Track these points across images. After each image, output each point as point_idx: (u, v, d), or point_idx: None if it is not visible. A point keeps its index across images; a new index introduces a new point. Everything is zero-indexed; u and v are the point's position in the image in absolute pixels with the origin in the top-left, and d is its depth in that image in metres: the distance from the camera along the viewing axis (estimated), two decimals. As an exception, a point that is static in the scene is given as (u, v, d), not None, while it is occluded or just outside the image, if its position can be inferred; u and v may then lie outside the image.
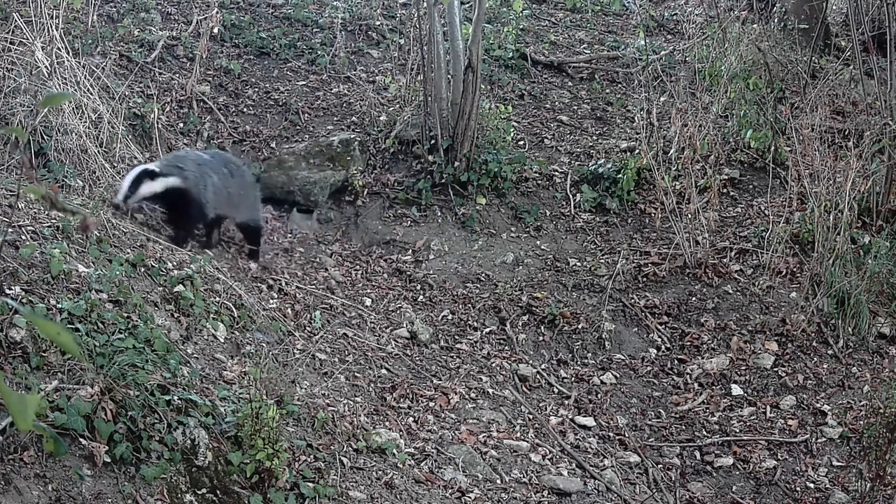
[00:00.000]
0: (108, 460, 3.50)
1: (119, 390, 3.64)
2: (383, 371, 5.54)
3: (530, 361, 6.12)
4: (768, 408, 5.88)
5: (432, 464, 4.76)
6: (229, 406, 4.12)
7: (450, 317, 6.42)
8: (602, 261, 7.16)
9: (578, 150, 8.38)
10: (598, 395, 5.96)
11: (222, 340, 4.91)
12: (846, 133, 7.77)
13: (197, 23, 8.55)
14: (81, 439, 3.49)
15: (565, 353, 6.34)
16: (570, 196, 7.77)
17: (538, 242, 7.33)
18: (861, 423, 5.44)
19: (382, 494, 4.25)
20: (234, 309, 5.22)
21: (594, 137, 8.61)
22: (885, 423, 4.81)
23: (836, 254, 6.41)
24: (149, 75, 7.79)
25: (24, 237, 4.43)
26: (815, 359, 6.22)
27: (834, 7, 10.95)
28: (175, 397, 3.86)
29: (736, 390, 6.03)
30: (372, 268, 6.88)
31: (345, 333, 5.76)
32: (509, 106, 8.51)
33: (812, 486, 5.29)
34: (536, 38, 10.37)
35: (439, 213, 7.42)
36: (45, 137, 6.03)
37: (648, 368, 6.25)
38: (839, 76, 8.65)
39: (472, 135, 7.51)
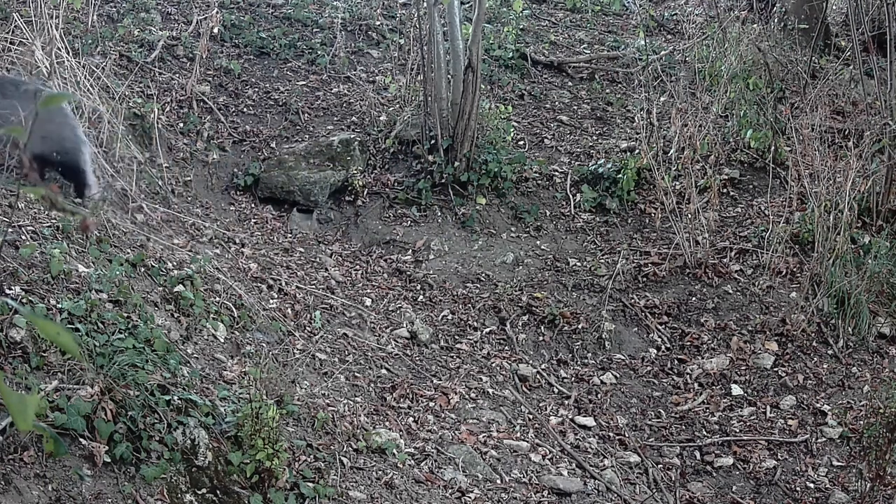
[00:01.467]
0: (108, 460, 3.50)
1: (119, 390, 3.64)
2: (383, 371, 5.54)
3: (530, 361, 6.12)
4: (768, 408, 5.88)
5: (432, 464, 4.76)
6: (229, 406, 4.12)
7: (450, 317, 6.42)
8: (602, 261, 7.16)
9: (578, 150, 8.38)
10: (598, 395, 5.96)
11: (222, 340, 4.91)
12: (846, 133, 7.77)
13: (197, 23, 8.55)
14: (81, 439, 3.49)
15: (565, 353, 6.34)
16: (570, 196, 7.77)
17: (538, 242, 7.33)
18: (861, 423, 5.44)
19: (382, 494, 4.25)
20: (234, 309, 5.22)
21: (594, 137, 8.61)
22: (885, 423, 4.81)
23: (836, 254, 6.41)
24: (149, 75, 7.79)
25: (24, 237, 4.43)
26: (815, 359, 6.22)
27: (834, 7, 10.94)
28: (175, 397, 3.86)
29: (736, 390, 6.02)
30: (372, 268, 6.88)
31: (345, 333, 5.76)
32: (509, 106, 8.51)
33: (812, 486, 5.29)
34: (536, 38, 10.36)
35: (439, 213, 7.42)
36: (45, 137, 6.02)
37: (648, 368, 6.25)
38: (839, 76, 8.65)
39: (472, 135, 7.51)
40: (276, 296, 5.89)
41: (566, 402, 5.82)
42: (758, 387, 6.05)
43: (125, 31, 8.13)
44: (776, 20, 10.01)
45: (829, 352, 6.26)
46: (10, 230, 4.33)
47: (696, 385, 6.10)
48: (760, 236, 7.15)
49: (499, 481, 4.84)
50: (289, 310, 5.75)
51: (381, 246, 7.18)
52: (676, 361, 6.30)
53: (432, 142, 7.60)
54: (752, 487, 5.30)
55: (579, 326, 6.47)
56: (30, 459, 3.33)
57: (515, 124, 8.47)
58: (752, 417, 5.82)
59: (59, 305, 4.01)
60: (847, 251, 6.45)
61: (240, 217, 7.07)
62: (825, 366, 6.16)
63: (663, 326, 6.56)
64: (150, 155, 6.88)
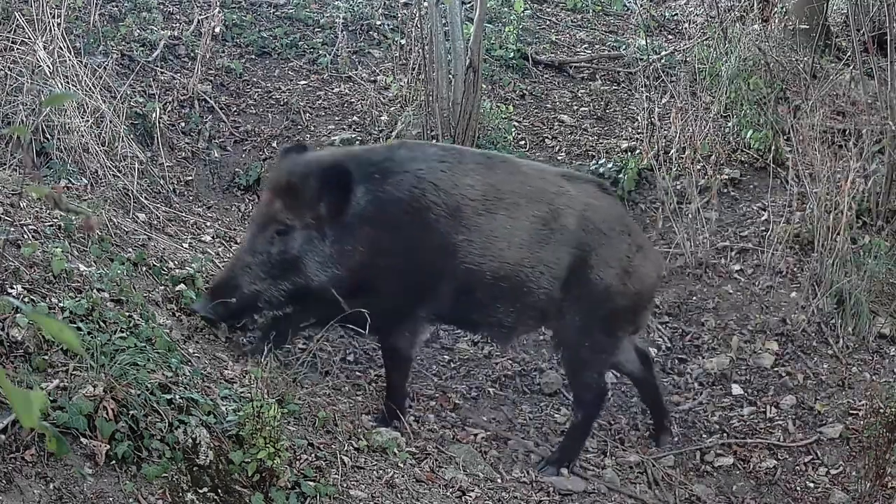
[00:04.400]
0: (110, 459, 3.51)
1: (120, 389, 3.65)
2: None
3: (531, 361, 6.13)
4: (768, 407, 5.89)
5: (433, 463, 4.77)
6: (231, 405, 4.13)
7: (450, 316, 6.42)
8: (602, 260, 7.15)
9: (579, 150, 8.38)
10: (599, 395, 5.96)
11: (223, 339, 4.92)
12: (846, 133, 7.77)
13: (198, 22, 8.56)
14: (83, 438, 3.50)
15: (566, 352, 6.33)
16: (571, 196, 7.77)
17: (539, 242, 7.32)
18: (861, 423, 5.45)
19: (383, 493, 4.26)
20: (235, 308, 5.22)
21: (595, 137, 8.61)
22: (885, 423, 4.82)
23: (836, 254, 6.42)
24: (150, 75, 7.80)
25: (26, 236, 4.44)
26: (815, 359, 6.23)
27: (834, 7, 10.95)
28: (176, 396, 3.87)
29: (736, 390, 6.04)
30: (373, 267, 6.87)
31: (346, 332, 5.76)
32: (510, 106, 8.51)
33: (812, 485, 5.30)
34: (537, 38, 10.37)
35: (440, 213, 7.42)
36: (47, 137, 6.04)
37: (649, 368, 6.25)
38: (839, 76, 8.65)
39: (474, 134, 7.51)
40: (277, 295, 5.89)
41: (567, 401, 5.82)
42: (758, 386, 6.06)
43: (127, 31, 8.14)
44: (777, 20, 10.02)
45: (829, 352, 6.27)
46: (12, 229, 4.34)
47: (696, 385, 6.11)
48: (761, 236, 7.16)
49: (499, 480, 4.85)
50: (290, 309, 5.75)
51: (381, 245, 7.17)
52: (677, 361, 6.31)
53: (433, 141, 7.60)
54: (753, 487, 5.32)
55: (580, 326, 6.46)
56: (31, 458, 3.34)
57: (516, 124, 8.48)
58: (753, 417, 5.83)
59: (61, 304, 4.02)
60: (847, 251, 6.46)
61: (241, 216, 7.08)
62: (825, 366, 6.17)
63: (664, 326, 6.57)
64: (152, 154, 6.88)
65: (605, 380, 5.26)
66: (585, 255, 4.78)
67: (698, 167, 7.35)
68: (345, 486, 4.15)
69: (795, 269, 6.85)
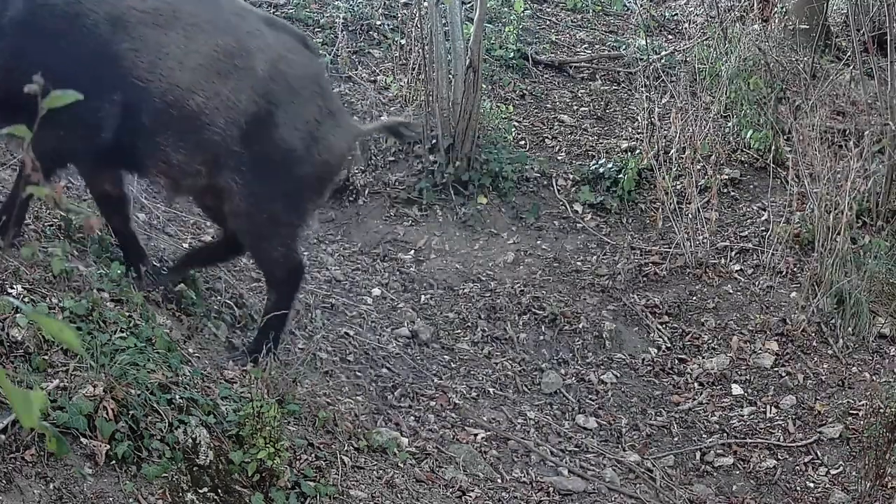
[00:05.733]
0: (110, 459, 3.50)
1: (120, 389, 3.65)
2: (384, 370, 5.55)
3: (531, 361, 6.13)
4: (768, 407, 5.89)
5: (433, 463, 4.77)
6: (231, 405, 4.13)
7: (450, 316, 6.43)
8: (603, 260, 7.16)
9: (579, 150, 8.38)
10: (599, 395, 5.97)
11: (223, 339, 4.92)
12: (846, 133, 7.78)
13: (198, 22, 8.55)
14: (83, 438, 3.50)
15: (566, 352, 6.34)
16: (571, 196, 7.78)
17: (539, 242, 7.34)
18: (861, 423, 5.46)
19: (383, 493, 4.26)
20: (235, 308, 5.23)
21: (595, 137, 8.61)
22: (885, 423, 4.82)
23: (836, 254, 6.43)
24: (150, 75, 7.79)
25: (25, 236, 4.45)
26: (815, 359, 6.23)
27: (834, 7, 10.95)
28: (176, 396, 3.87)
29: (736, 390, 6.04)
30: (373, 267, 6.89)
31: (346, 332, 5.77)
32: (510, 106, 8.51)
33: (812, 485, 5.30)
34: (537, 38, 10.37)
35: (440, 213, 7.42)
36: (47, 137, 6.03)
37: (649, 368, 6.25)
38: (839, 76, 8.66)
39: (474, 134, 7.51)
40: (277, 295, 5.89)
41: (567, 401, 5.83)
42: (758, 386, 6.06)
43: (126, 31, 8.12)
44: (777, 20, 10.02)
45: (829, 352, 6.27)
46: (11, 229, 4.34)
47: (696, 385, 6.11)
48: (761, 236, 7.16)
49: (499, 480, 4.85)
50: (290, 309, 5.76)
51: (382, 245, 7.18)
52: (677, 361, 6.31)
53: (433, 141, 7.60)
54: (753, 487, 5.32)
55: (580, 326, 6.47)
56: (31, 458, 3.34)
57: (516, 124, 8.48)
58: (752, 417, 5.83)
59: (61, 304, 4.02)
60: (847, 251, 6.46)
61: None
62: (825, 366, 6.17)
63: (664, 326, 6.57)
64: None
65: (297, 255, 4.86)
66: (271, 110, 4.48)
67: (698, 167, 7.35)
68: (345, 486, 4.16)
69: (795, 269, 6.86)
